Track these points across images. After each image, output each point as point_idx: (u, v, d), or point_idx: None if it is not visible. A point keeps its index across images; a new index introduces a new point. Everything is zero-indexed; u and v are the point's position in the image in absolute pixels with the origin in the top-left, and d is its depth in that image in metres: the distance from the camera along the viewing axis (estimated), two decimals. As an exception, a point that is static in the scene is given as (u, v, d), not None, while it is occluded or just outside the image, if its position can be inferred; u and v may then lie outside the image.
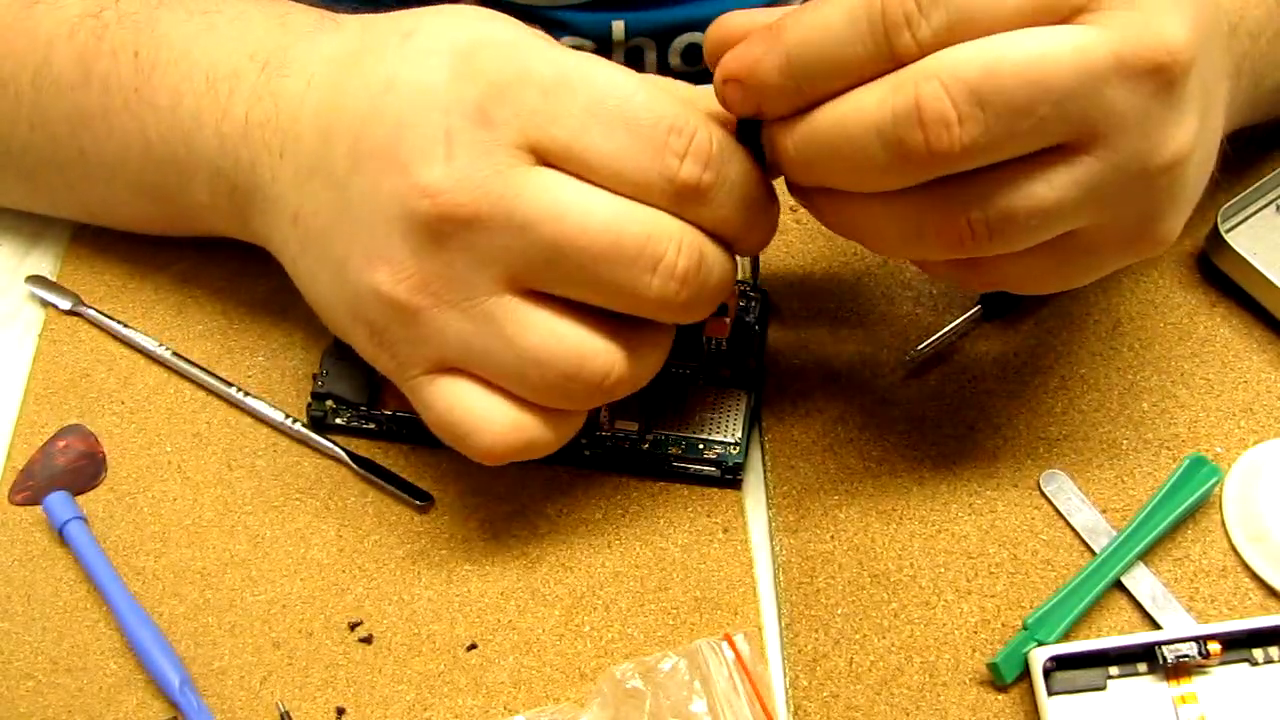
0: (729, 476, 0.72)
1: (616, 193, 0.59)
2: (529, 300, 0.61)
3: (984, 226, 0.57)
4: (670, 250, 0.59)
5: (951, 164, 0.54)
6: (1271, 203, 0.80)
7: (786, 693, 0.66)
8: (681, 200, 0.60)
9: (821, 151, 0.57)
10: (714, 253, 0.62)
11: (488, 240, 0.59)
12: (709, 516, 0.72)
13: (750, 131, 0.61)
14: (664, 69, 0.90)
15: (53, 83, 0.74)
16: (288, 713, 0.66)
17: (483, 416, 0.63)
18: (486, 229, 0.59)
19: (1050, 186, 0.56)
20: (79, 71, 0.73)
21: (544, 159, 0.59)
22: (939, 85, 0.53)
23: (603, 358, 0.62)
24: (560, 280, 0.60)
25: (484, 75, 0.59)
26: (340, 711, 0.66)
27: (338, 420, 0.75)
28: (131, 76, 0.71)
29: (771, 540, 0.71)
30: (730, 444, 0.72)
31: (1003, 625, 0.67)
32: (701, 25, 0.88)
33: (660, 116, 0.59)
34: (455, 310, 0.61)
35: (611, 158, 0.59)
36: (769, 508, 0.72)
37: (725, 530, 0.71)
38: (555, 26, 0.74)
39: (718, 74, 0.60)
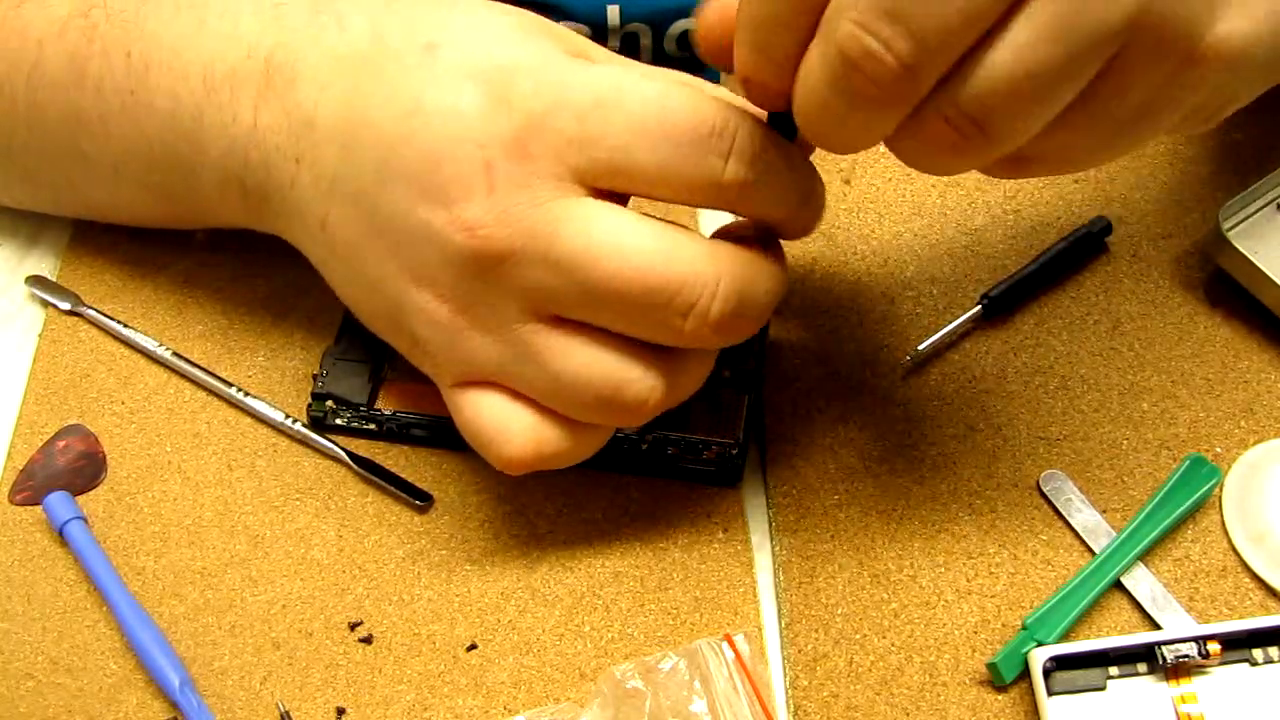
0: (729, 476, 0.72)
1: (663, 198, 0.59)
2: (565, 329, 0.61)
3: (966, 121, 0.51)
4: (705, 296, 0.59)
5: (913, 82, 0.50)
6: (1273, 201, 0.80)
7: (786, 693, 0.66)
8: (728, 198, 0.59)
9: (815, 119, 0.54)
10: (757, 281, 0.61)
11: (524, 274, 0.59)
12: (709, 516, 0.72)
13: (783, 117, 0.61)
14: (659, 55, 0.90)
15: (47, 84, 0.73)
16: (288, 713, 0.66)
17: (505, 429, 0.63)
18: (523, 264, 0.59)
19: (1010, 51, 0.49)
20: (72, 72, 0.72)
21: (586, 182, 0.59)
22: (850, 23, 0.49)
23: (640, 384, 0.61)
24: (595, 315, 0.60)
25: (519, 106, 0.59)
26: (340, 711, 0.66)
27: (337, 420, 0.74)
28: (125, 78, 0.71)
29: (771, 540, 0.71)
30: (730, 444, 0.72)
31: (1002, 625, 0.67)
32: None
33: (700, 121, 0.58)
34: (492, 335, 0.61)
35: (655, 170, 0.58)
36: (769, 507, 0.72)
37: (725, 530, 0.71)
38: (551, 11, 0.74)
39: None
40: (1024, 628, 0.66)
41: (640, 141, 0.58)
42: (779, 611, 0.69)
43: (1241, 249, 0.76)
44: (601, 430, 0.65)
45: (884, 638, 0.67)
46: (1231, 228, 0.78)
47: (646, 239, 0.58)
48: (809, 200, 0.63)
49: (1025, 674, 0.65)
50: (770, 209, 0.61)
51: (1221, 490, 0.71)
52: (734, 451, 0.72)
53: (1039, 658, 0.64)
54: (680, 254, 0.59)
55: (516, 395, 0.63)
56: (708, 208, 0.62)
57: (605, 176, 0.59)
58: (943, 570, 0.69)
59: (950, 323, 0.76)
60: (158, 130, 0.71)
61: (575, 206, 0.59)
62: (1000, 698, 0.65)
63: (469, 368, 0.63)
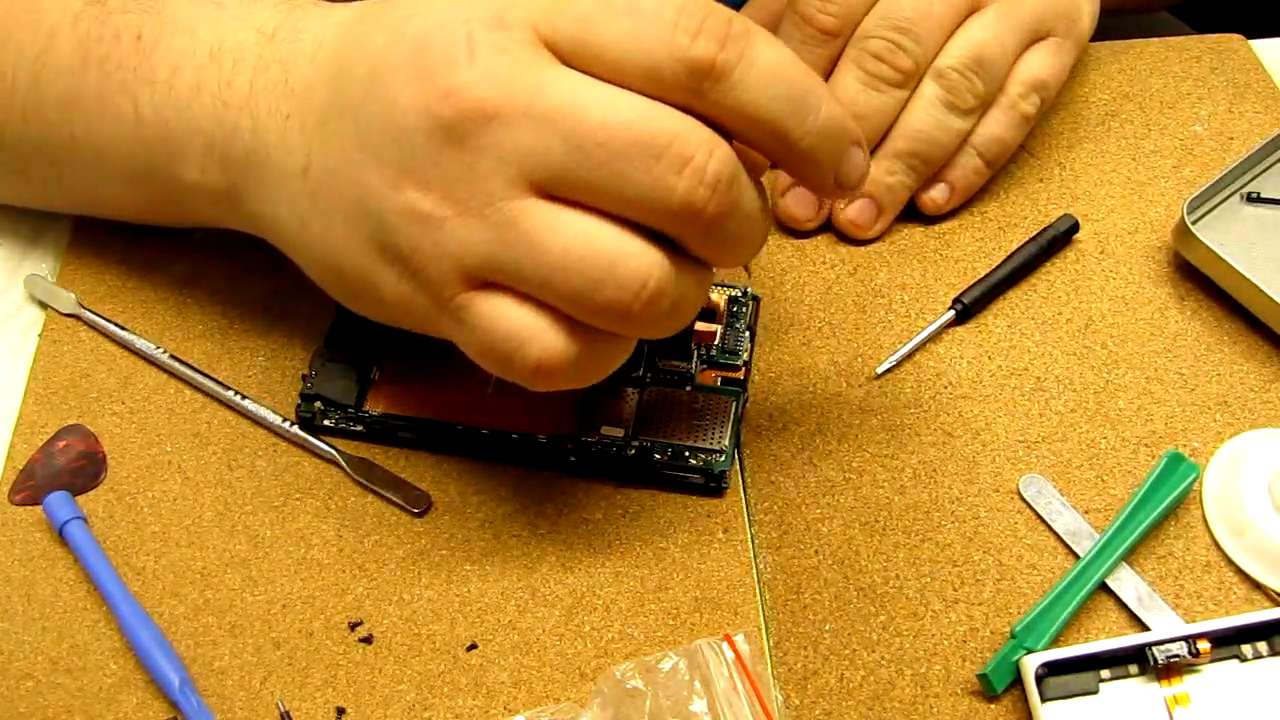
0: (713, 485, 0.71)
1: (631, 85, 0.56)
2: (553, 204, 0.57)
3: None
4: (700, 153, 0.55)
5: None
6: (1236, 192, 0.80)
7: (779, 711, 0.65)
8: (700, 83, 0.56)
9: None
10: (748, 178, 0.58)
11: (509, 137, 0.56)
12: (709, 517, 0.70)
13: None
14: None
15: (50, 69, 0.72)
16: (288, 713, 0.65)
17: (523, 330, 0.58)
18: (508, 125, 0.56)
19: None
20: (78, 57, 0.71)
21: (561, 56, 0.57)
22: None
23: (637, 261, 0.56)
24: (582, 181, 0.56)
25: None
26: (340, 711, 0.65)
27: (326, 422, 0.73)
28: (132, 56, 0.70)
29: (755, 557, 0.69)
30: (717, 451, 0.70)
31: (991, 633, 0.66)
32: None
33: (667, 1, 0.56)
34: (478, 219, 0.57)
35: (618, 44, 0.56)
36: (750, 525, 0.71)
37: (725, 530, 0.70)
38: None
39: None
40: (1013, 636, 0.65)
41: (604, 14, 0.56)
42: (766, 631, 0.67)
43: (1206, 241, 0.76)
44: (616, 342, 0.60)
45: (873, 652, 0.66)
46: (1196, 220, 0.78)
47: (631, 96, 0.56)
48: (793, 93, 0.58)
49: (1016, 682, 0.64)
50: (752, 104, 0.57)
51: (1201, 485, 0.71)
52: (720, 459, 0.70)
53: (1031, 664, 0.63)
54: (669, 112, 0.56)
55: (527, 299, 0.58)
56: (681, 98, 0.57)
57: (575, 52, 0.57)
58: (929, 580, 0.68)
59: (923, 329, 0.76)
60: (151, 102, 0.69)
61: (557, 70, 0.56)
62: (993, 706, 0.64)
63: (459, 266, 0.58)
